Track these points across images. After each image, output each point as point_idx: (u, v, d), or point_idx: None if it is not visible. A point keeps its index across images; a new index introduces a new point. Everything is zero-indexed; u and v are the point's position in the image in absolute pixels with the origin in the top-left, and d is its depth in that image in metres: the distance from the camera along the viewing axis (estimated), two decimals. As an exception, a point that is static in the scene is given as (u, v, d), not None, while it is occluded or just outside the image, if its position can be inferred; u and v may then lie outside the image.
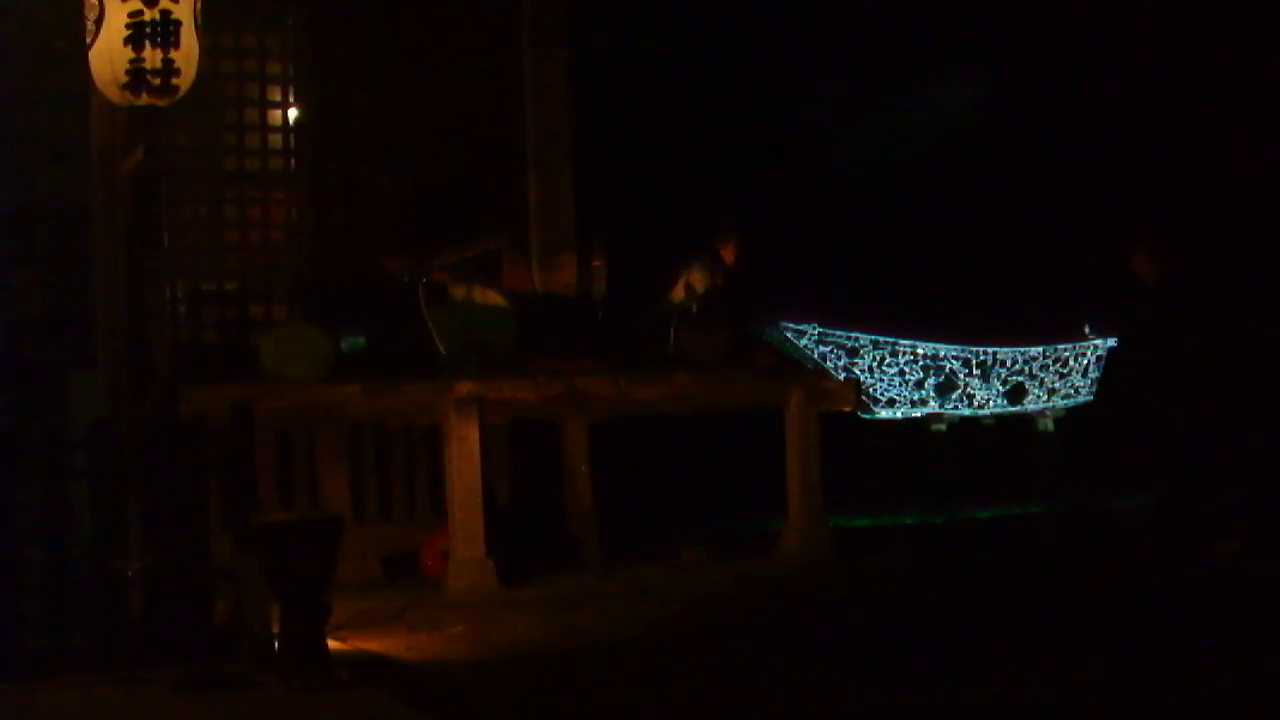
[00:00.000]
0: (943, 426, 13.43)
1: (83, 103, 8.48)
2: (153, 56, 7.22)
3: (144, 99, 7.31)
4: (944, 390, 13.49)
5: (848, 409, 10.61)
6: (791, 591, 9.04)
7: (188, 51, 7.31)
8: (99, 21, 7.25)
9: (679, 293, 10.69)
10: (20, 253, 9.42)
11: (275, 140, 10.78)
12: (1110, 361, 10.53)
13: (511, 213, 10.91)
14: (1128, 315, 10.39)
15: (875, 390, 12.57)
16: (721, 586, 9.15)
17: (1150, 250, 10.04)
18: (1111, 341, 13.70)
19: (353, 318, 9.67)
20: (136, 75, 7.23)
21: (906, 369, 12.82)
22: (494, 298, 9.75)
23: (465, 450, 9.00)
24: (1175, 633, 7.38)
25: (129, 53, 7.20)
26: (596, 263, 10.51)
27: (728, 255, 10.99)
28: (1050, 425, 13.90)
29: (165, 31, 7.23)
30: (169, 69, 7.27)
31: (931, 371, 13.32)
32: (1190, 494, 9.84)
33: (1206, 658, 6.74)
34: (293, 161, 10.77)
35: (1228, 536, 9.58)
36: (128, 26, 7.20)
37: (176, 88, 7.33)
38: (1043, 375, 13.40)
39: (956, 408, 13.55)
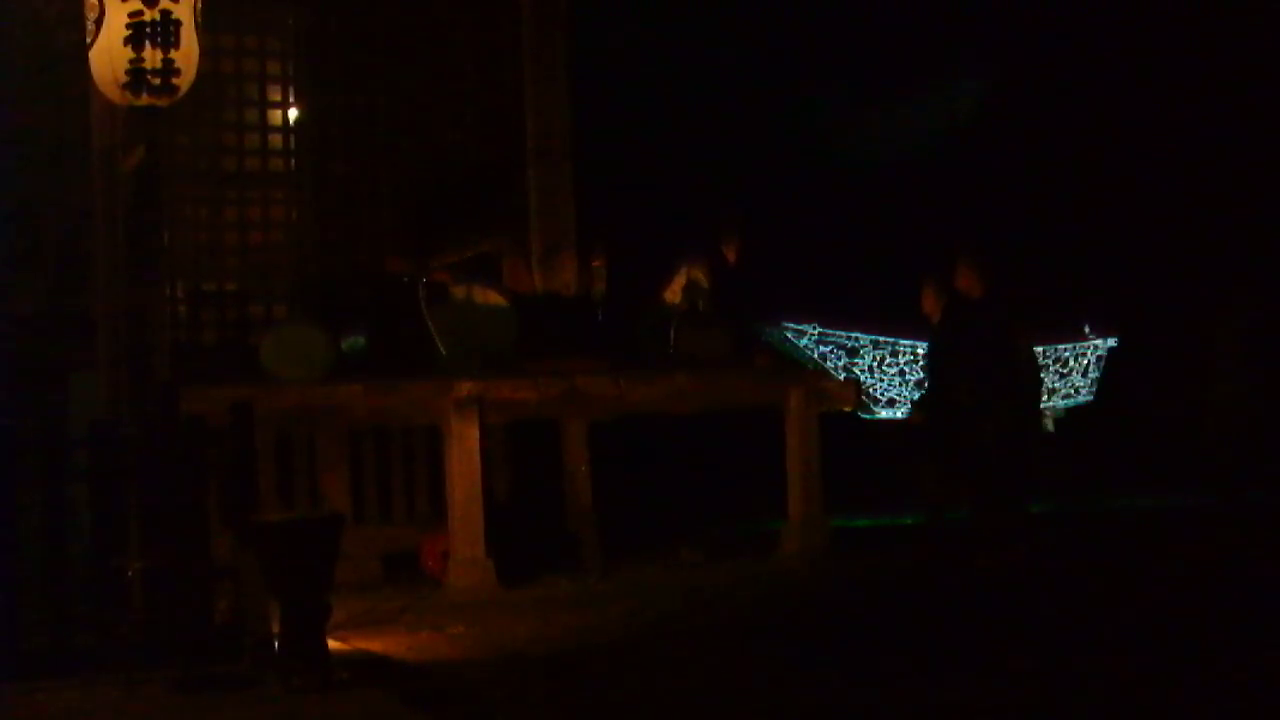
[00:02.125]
0: (943, 426, 13.40)
1: (83, 103, 8.49)
2: (153, 56, 7.24)
3: (144, 99, 7.33)
4: (944, 390, 13.50)
5: (848, 409, 10.61)
6: (791, 591, 9.03)
7: (188, 51, 7.32)
8: (99, 21, 7.26)
9: (673, 293, 10.67)
10: (20, 252, 9.41)
11: (275, 140, 10.78)
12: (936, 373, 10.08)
13: (511, 213, 10.91)
14: (952, 327, 9.92)
15: (875, 390, 12.55)
16: (721, 586, 9.14)
17: (972, 263, 9.75)
18: (1112, 341, 13.71)
19: (353, 318, 9.66)
20: (136, 75, 7.24)
21: (906, 369, 12.78)
22: (494, 298, 9.74)
23: (465, 450, 9.00)
24: (1185, 627, 7.39)
25: (129, 53, 7.22)
26: (596, 263, 10.51)
27: (730, 254, 10.98)
28: (1050, 425, 13.89)
29: (165, 31, 7.24)
30: (169, 69, 7.28)
31: (932, 371, 13.33)
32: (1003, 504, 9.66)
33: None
34: (293, 162, 10.77)
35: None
36: (128, 26, 7.21)
37: (176, 88, 7.34)
38: (1043, 375, 13.37)
39: (956, 408, 13.54)
